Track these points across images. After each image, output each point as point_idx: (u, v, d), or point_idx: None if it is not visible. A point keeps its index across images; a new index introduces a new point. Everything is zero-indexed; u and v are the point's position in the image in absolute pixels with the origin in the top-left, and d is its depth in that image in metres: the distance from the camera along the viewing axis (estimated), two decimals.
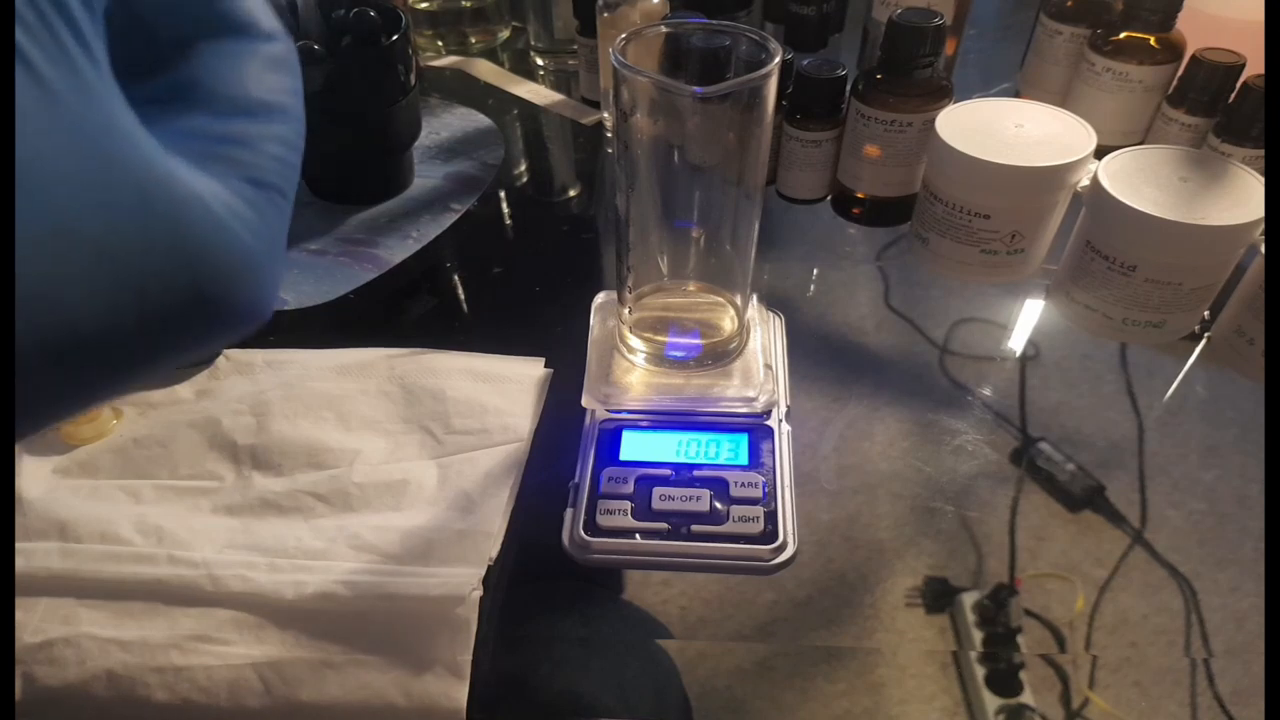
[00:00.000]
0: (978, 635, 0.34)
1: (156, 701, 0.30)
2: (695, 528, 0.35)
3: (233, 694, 0.31)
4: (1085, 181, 0.43)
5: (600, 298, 0.45)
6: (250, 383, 0.42)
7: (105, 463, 0.38)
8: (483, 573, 0.33)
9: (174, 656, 0.31)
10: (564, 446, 0.38)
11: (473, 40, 0.72)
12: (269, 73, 0.16)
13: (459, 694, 0.30)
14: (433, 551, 0.34)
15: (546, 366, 0.42)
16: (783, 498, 0.36)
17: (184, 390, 0.42)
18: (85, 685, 0.31)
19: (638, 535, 0.34)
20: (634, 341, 0.41)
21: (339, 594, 0.32)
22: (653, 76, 0.31)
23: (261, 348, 0.44)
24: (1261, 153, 0.46)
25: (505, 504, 0.35)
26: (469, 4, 0.71)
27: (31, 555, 0.34)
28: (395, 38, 0.48)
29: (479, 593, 0.32)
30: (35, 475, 0.37)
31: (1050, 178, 0.42)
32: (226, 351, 0.43)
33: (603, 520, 0.35)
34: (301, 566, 0.33)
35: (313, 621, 0.32)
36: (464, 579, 0.32)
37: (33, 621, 0.32)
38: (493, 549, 0.34)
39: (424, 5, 0.71)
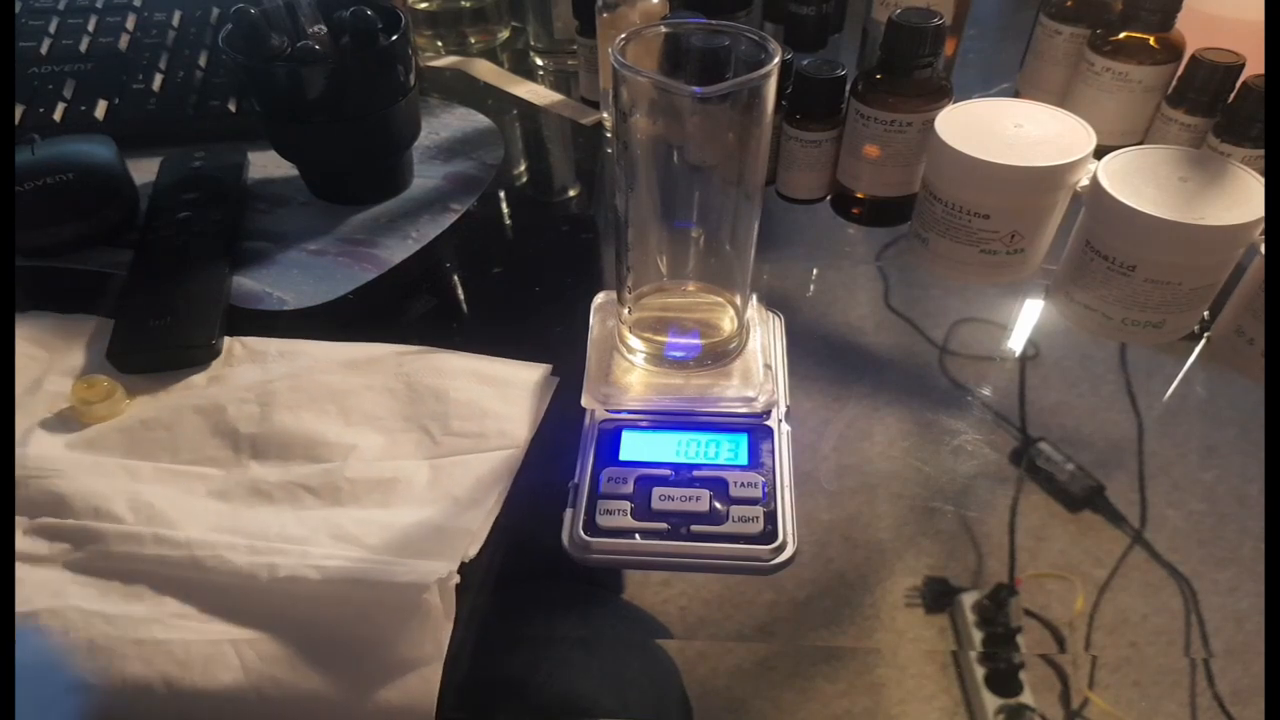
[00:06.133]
0: (977, 635, 0.34)
1: (132, 673, 0.31)
2: (695, 528, 0.35)
3: (207, 669, 0.31)
4: (1085, 181, 0.43)
5: (600, 298, 0.45)
6: (260, 371, 0.42)
7: (111, 441, 0.39)
8: (455, 566, 0.33)
9: (156, 630, 0.32)
10: (564, 446, 0.38)
11: (472, 40, 0.72)
12: None
13: (432, 677, 0.31)
14: (410, 545, 0.34)
15: (548, 368, 0.42)
16: (782, 498, 0.36)
17: (197, 376, 0.42)
18: (67, 654, 0.31)
19: (637, 535, 0.34)
20: (633, 341, 0.41)
21: (309, 577, 0.32)
22: (652, 76, 0.31)
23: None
24: (1261, 153, 0.46)
25: (490, 508, 0.36)
26: (469, 4, 0.71)
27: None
28: (395, 38, 0.48)
29: (454, 580, 0.32)
30: (45, 449, 0.38)
31: (1050, 178, 0.42)
32: (241, 339, 0.44)
33: (602, 520, 0.35)
34: (278, 550, 0.33)
35: (290, 603, 0.32)
36: (434, 569, 0.32)
37: (21, 592, 0.32)
38: (471, 547, 0.34)
39: (424, 5, 0.71)
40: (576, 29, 0.61)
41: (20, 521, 0.35)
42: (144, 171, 0.54)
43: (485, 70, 0.69)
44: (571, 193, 0.59)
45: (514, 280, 0.50)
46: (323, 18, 0.48)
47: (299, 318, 0.46)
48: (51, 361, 0.42)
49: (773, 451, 0.37)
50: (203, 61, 0.62)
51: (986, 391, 0.43)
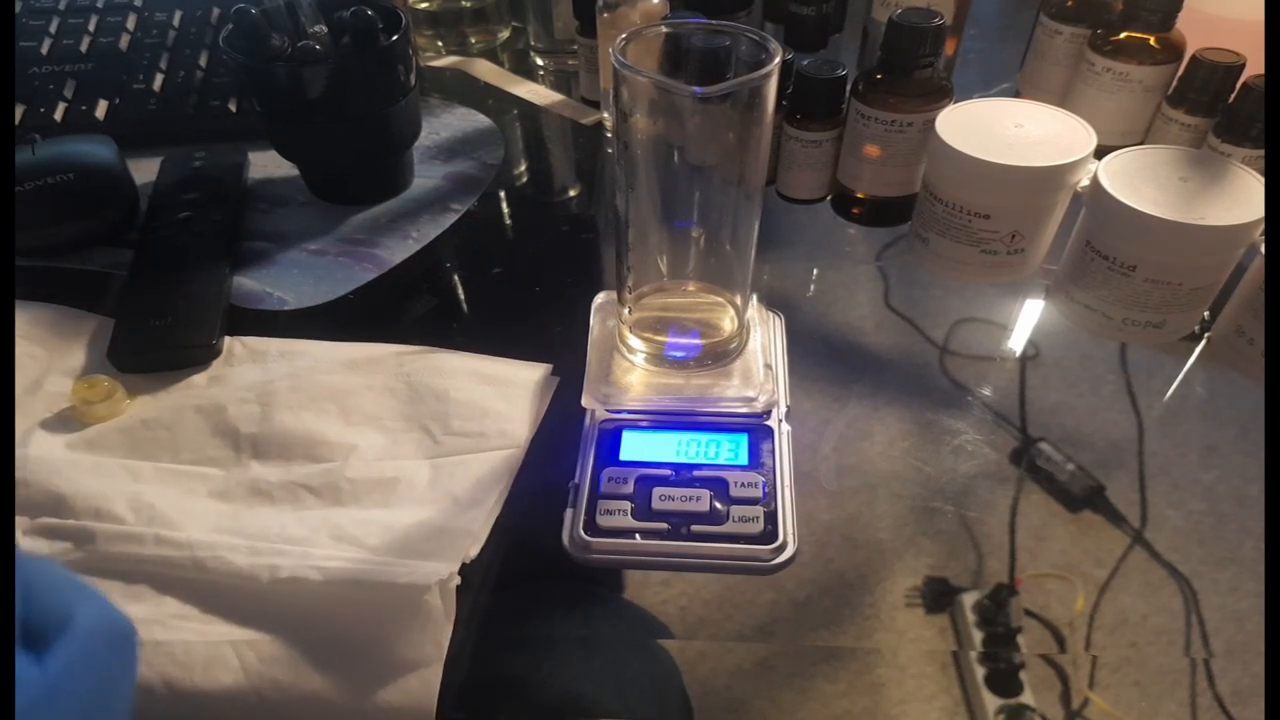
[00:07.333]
0: (978, 635, 0.34)
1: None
2: (695, 528, 0.35)
3: (208, 670, 0.31)
4: (1085, 181, 0.43)
5: (600, 298, 0.45)
6: (261, 371, 0.42)
7: (112, 441, 0.39)
8: (456, 567, 0.33)
9: (156, 631, 0.32)
10: (564, 446, 0.38)
11: (473, 40, 0.72)
12: None
13: (432, 678, 0.31)
14: (411, 546, 0.34)
15: (549, 368, 0.42)
16: (783, 498, 0.36)
17: (197, 376, 0.42)
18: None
19: (638, 535, 0.34)
20: (634, 341, 0.41)
21: (310, 578, 0.32)
22: (653, 76, 0.31)
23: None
24: (1261, 153, 0.46)
25: (491, 508, 0.36)
26: (469, 4, 0.71)
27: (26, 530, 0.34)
28: (395, 38, 0.48)
29: (455, 581, 0.32)
30: (45, 449, 0.38)
31: (1050, 178, 0.42)
32: (242, 339, 0.44)
33: (603, 520, 0.35)
34: (279, 551, 0.33)
35: (290, 605, 0.32)
36: (435, 570, 0.32)
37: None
38: (472, 548, 0.34)
39: (424, 5, 0.71)
40: (577, 29, 0.61)
41: (20, 521, 0.35)
42: (144, 171, 0.54)
43: (485, 70, 0.69)
44: (571, 193, 0.59)
45: (514, 280, 0.50)
46: (323, 18, 0.48)
47: (299, 318, 0.46)
48: (51, 361, 0.42)
49: (773, 451, 0.37)
50: (203, 61, 0.62)
51: (986, 391, 0.43)
